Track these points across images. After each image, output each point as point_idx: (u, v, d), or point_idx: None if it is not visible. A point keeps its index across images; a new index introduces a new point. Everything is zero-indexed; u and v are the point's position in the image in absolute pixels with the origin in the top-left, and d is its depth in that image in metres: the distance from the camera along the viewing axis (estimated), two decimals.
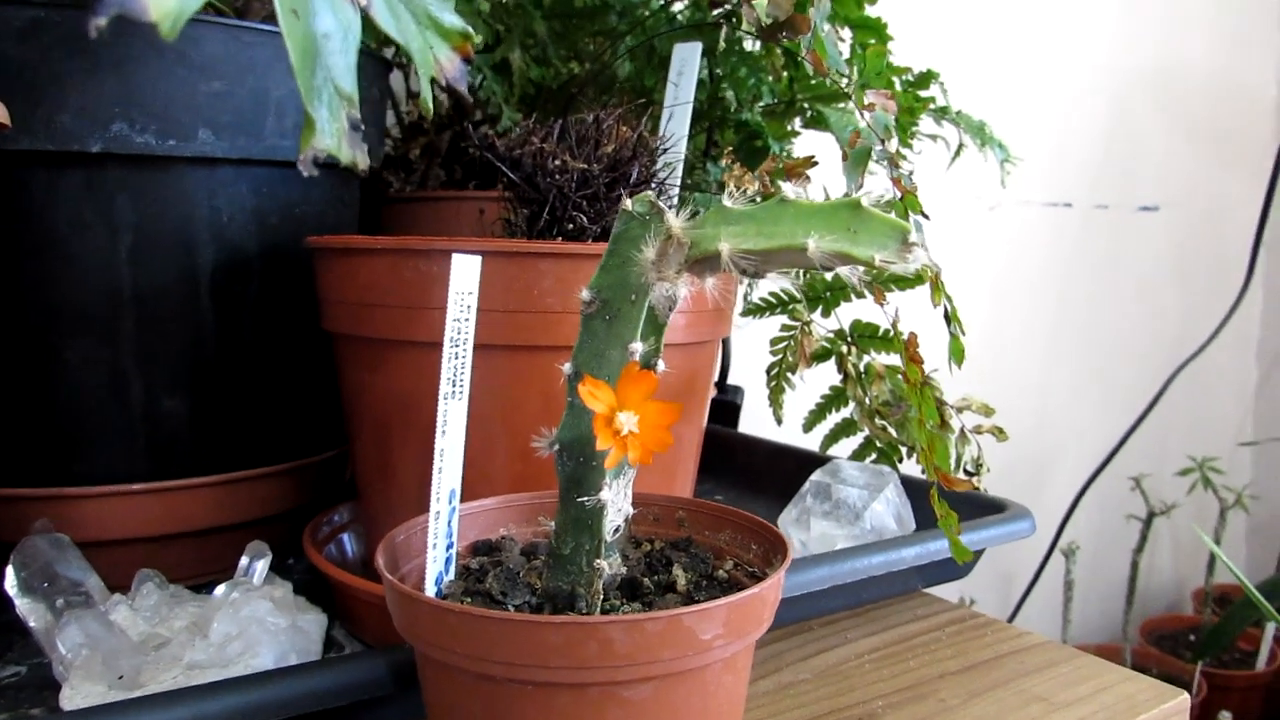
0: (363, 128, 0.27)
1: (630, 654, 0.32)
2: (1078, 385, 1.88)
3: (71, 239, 0.60)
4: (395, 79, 0.93)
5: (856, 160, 0.38)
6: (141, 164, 0.60)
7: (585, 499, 0.37)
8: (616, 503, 0.38)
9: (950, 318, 0.46)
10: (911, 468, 0.80)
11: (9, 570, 0.52)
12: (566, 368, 0.37)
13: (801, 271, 0.84)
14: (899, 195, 0.45)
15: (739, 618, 0.34)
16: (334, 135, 0.26)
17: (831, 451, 0.87)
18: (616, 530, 0.39)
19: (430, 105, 0.32)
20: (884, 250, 0.28)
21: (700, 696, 0.34)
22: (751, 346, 1.05)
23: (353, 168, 0.27)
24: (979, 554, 0.61)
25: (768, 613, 0.36)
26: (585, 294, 0.36)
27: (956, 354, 0.46)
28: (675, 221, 0.33)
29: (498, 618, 0.32)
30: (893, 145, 0.45)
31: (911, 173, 0.47)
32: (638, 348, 0.35)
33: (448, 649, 0.33)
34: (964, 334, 0.46)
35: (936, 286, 0.45)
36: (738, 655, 0.36)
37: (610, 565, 0.38)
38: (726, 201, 0.32)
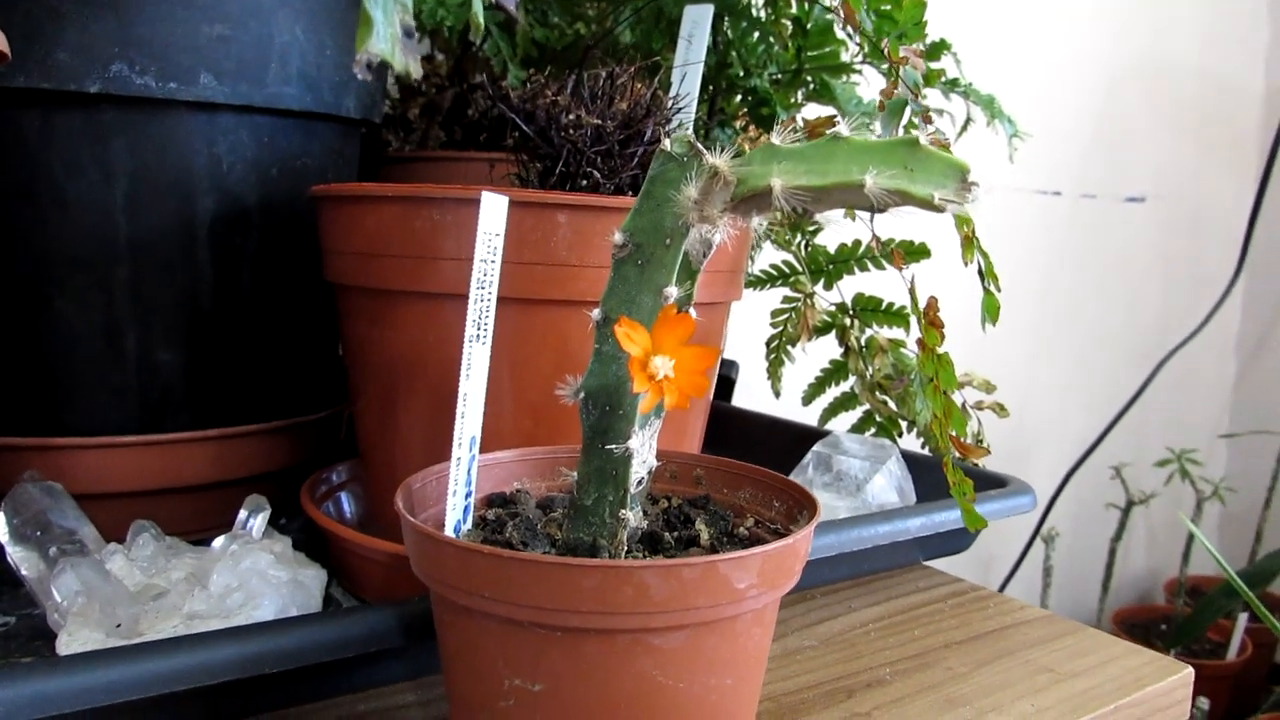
0: (414, 35, 0.26)
1: (665, 601, 0.31)
2: (1061, 374, 1.89)
3: (66, 183, 0.58)
4: None
5: (893, 112, 0.37)
6: (140, 107, 0.58)
7: (613, 446, 0.36)
8: (642, 454, 0.37)
9: (985, 273, 0.45)
10: (911, 443, 0.80)
11: (0, 517, 0.51)
12: (595, 314, 0.36)
13: (804, 243, 0.84)
14: None
15: (772, 568, 0.33)
16: (388, 40, 0.25)
17: (830, 426, 0.87)
18: (640, 483, 0.38)
19: (480, 21, 0.31)
20: (943, 189, 0.27)
21: (730, 647, 0.33)
22: (743, 322, 1.04)
23: (405, 75, 0.26)
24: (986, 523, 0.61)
25: (798, 566, 0.35)
26: (618, 237, 0.35)
27: (991, 310, 0.46)
28: (720, 159, 0.32)
29: (530, 559, 0.31)
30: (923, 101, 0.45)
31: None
32: (673, 292, 0.34)
33: (473, 593, 0.32)
34: (999, 290, 0.45)
35: (970, 242, 0.44)
36: (767, 608, 0.35)
37: (634, 517, 0.38)
38: (775, 139, 0.31)
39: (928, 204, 0.28)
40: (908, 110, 0.45)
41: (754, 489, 0.44)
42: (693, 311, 0.36)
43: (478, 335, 0.37)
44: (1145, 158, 1.94)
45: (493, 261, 0.37)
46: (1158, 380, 1.92)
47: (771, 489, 0.43)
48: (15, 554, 0.50)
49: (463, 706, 0.36)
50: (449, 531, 0.38)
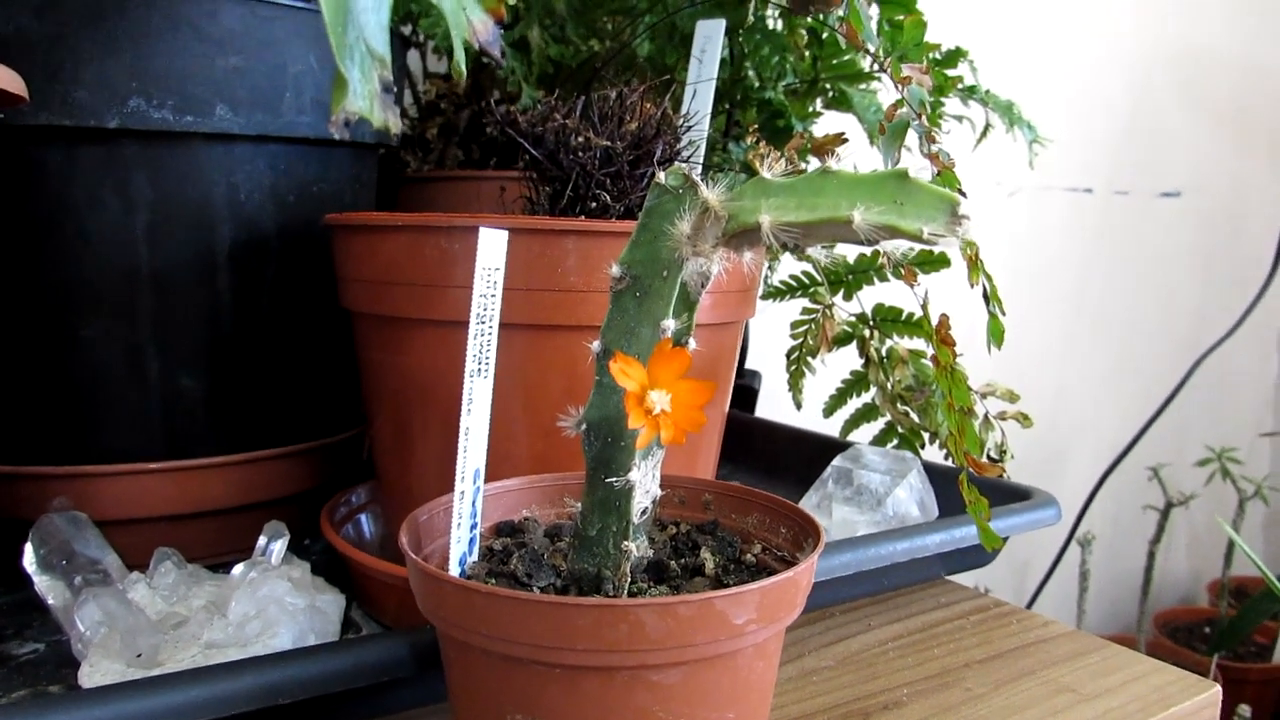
0: (394, 90, 0.26)
1: (661, 638, 0.31)
2: (1095, 374, 1.86)
3: (88, 216, 0.59)
4: (412, 58, 0.92)
5: (894, 134, 0.36)
6: (159, 140, 0.59)
7: (613, 479, 0.36)
8: (644, 484, 0.37)
9: (990, 297, 0.45)
10: (934, 454, 0.79)
11: (27, 547, 0.52)
12: (595, 345, 0.36)
13: (826, 252, 0.83)
14: (936, 171, 0.43)
15: (772, 603, 0.33)
16: (366, 97, 0.25)
17: (852, 437, 0.86)
18: (644, 512, 0.38)
19: (462, 69, 0.32)
20: (932, 223, 0.27)
21: (731, 682, 0.33)
22: (767, 332, 1.04)
23: (385, 131, 0.26)
24: (1005, 540, 0.60)
25: (800, 598, 0.35)
26: (615, 269, 0.36)
27: (996, 334, 0.45)
28: (712, 194, 0.32)
29: (525, 599, 0.31)
30: (927, 121, 0.44)
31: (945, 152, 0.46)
32: (670, 325, 0.34)
33: (472, 630, 0.33)
34: (1004, 314, 0.45)
35: (975, 265, 0.44)
36: (769, 641, 0.35)
37: (638, 548, 0.38)
38: (765, 173, 0.31)
39: (917, 238, 0.28)
40: (912, 129, 0.45)
41: (762, 514, 0.43)
42: (692, 343, 0.36)
43: (479, 370, 0.37)
44: (1180, 152, 1.91)
45: (493, 296, 0.37)
46: (1196, 378, 1.89)
47: (779, 515, 0.42)
48: (42, 583, 0.51)
49: None
50: (453, 565, 0.38)
